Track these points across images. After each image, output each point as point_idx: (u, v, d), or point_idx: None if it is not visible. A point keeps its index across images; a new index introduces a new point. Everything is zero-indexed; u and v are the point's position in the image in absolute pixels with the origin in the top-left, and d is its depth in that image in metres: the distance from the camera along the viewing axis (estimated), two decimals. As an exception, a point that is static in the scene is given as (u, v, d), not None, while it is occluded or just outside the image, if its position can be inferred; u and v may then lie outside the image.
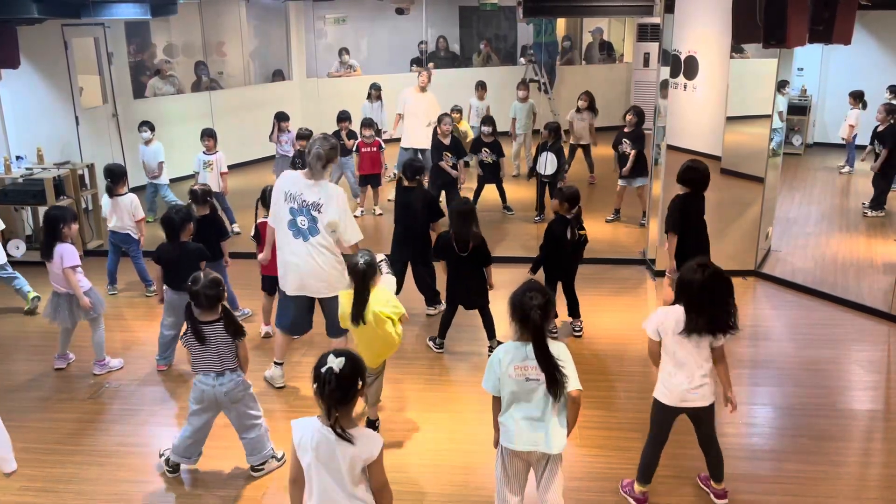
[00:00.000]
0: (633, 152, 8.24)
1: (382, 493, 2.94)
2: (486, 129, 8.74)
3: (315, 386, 2.82)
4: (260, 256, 5.34)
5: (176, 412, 5.03)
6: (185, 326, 4.16)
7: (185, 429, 4.24)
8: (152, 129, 8.58)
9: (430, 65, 11.65)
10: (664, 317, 3.75)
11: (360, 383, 2.83)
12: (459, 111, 9.98)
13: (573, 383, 3.29)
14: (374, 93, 10.24)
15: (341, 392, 2.78)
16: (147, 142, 8.59)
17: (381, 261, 4.50)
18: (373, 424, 4.64)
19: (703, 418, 3.86)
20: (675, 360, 3.75)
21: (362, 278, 4.20)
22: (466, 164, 8.81)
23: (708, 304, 3.63)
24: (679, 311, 3.70)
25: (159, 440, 4.62)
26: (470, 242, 5.41)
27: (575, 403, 3.33)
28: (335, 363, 2.77)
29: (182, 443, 4.24)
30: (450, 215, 5.64)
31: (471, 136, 9.69)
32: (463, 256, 5.42)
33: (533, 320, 3.21)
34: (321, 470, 2.86)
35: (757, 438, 4.67)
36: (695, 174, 5.54)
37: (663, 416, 3.88)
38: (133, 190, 7.13)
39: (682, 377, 3.74)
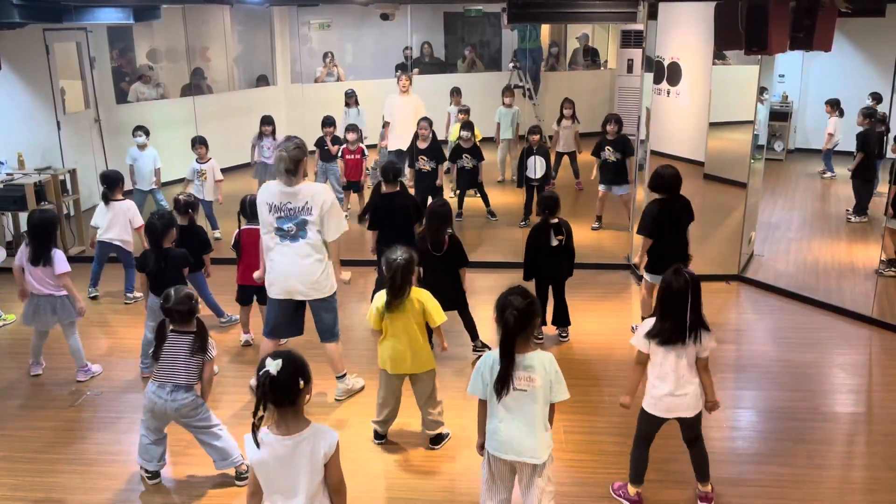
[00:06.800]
0: (615, 159, 8.29)
1: (339, 490, 2.93)
2: (465, 133, 8.71)
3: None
4: (256, 274, 5.14)
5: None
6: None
7: (142, 435, 4.23)
8: (147, 133, 8.40)
9: (415, 70, 11.65)
10: (649, 329, 3.78)
11: (302, 382, 2.79)
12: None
13: (563, 393, 3.33)
14: (350, 99, 10.03)
15: (276, 395, 2.76)
16: (142, 147, 8.40)
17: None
18: (437, 439, 4.60)
19: (689, 423, 3.89)
20: (660, 371, 3.77)
21: (402, 273, 4.27)
22: (447, 172, 8.80)
23: (683, 310, 3.66)
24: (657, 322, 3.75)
25: (142, 448, 4.57)
26: (444, 243, 5.43)
27: (553, 410, 3.40)
28: (272, 366, 2.75)
29: (141, 447, 4.24)
30: (426, 215, 5.67)
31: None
32: (437, 256, 5.43)
33: (505, 321, 3.21)
34: (279, 477, 2.84)
35: (741, 442, 4.69)
36: (659, 179, 5.58)
37: (649, 425, 3.91)
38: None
39: (667, 388, 3.76)
